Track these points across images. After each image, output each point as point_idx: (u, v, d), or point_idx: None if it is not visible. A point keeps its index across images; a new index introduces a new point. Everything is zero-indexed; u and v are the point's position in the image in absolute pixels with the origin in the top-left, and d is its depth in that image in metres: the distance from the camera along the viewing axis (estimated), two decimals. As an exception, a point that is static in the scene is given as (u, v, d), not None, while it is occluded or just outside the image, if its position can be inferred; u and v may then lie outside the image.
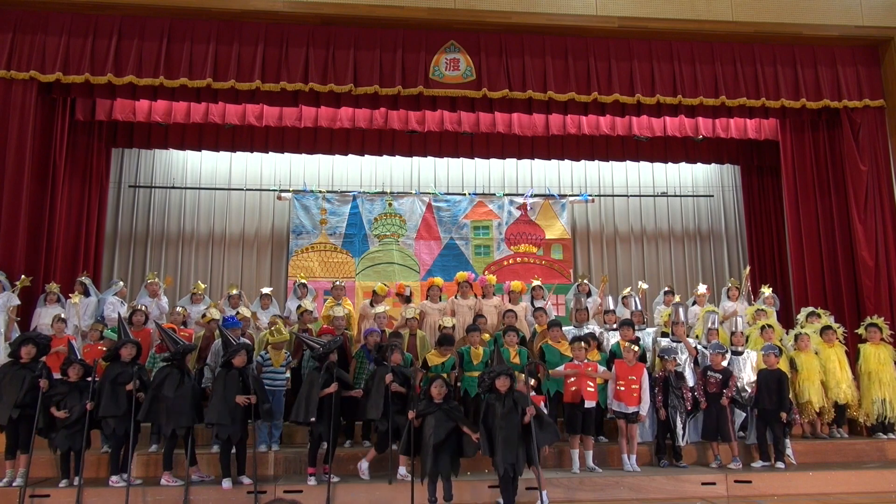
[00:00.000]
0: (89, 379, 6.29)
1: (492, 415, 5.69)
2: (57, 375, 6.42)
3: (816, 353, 7.79)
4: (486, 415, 5.76)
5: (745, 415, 7.15)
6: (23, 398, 6.12)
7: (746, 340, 7.89)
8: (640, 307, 8.53)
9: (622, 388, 6.88)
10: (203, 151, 11.21)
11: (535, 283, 9.36)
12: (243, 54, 8.87)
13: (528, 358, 7.29)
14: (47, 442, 6.21)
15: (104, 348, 7.15)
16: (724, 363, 7.18)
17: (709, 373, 7.13)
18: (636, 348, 7.09)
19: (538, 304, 8.86)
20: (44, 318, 7.89)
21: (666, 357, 7.14)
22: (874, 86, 9.72)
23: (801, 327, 8.20)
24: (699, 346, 7.63)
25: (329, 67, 8.96)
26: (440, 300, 8.88)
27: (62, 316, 7.65)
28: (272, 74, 8.89)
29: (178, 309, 8.26)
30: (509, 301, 8.79)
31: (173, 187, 11.57)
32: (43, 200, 8.87)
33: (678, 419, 6.95)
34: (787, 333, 8.38)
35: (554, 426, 5.93)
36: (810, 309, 8.62)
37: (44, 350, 6.52)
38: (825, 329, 7.98)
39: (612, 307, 8.76)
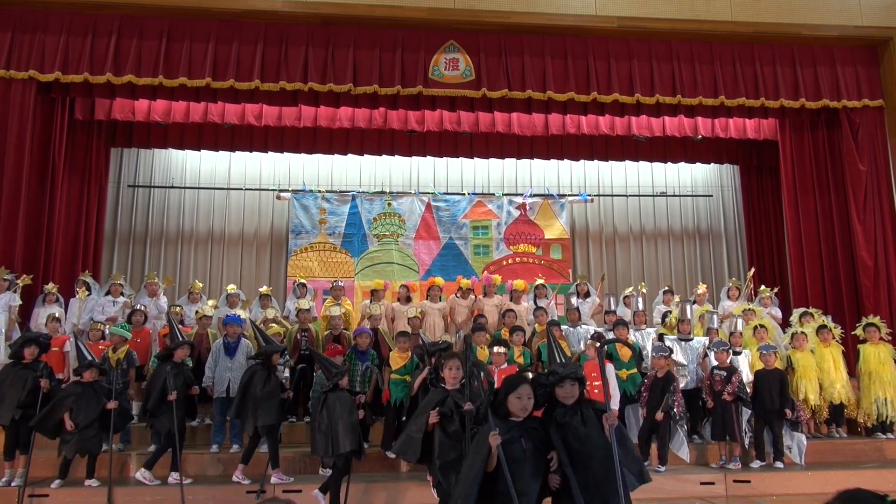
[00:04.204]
0: (101, 380, 6.28)
1: (574, 438, 3.39)
2: (59, 375, 6.41)
3: (812, 352, 7.81)
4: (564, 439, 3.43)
5: (750, 412, 7.12)
6: (25, 399, 6.10)
7: (742, 342, 7.90)
8: (642, 307, 8.53)
9: (594, 390, 6.81)
10: (202, 151, 11.21)
11: (539, 281, 9.38)
12: (242, 54, 8.87)
13: (531, 359, 7.28)
14: (59, 444, 6.18)
15: (103, 347, 7.17)
16: (728, 361, 7.19)
17: (714, 371, 7.14)
18: (597, 345, 7.04)
19: (541, 302, 8.87)
20: (42, 318, 7.89)
21: (653, 355, 7.12)
22: (873, 86, 9.72)
23: (799, 327, 8.20)
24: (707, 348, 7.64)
25: (328, 67, 8.96)
26: (440, 300, 8.91)
27: (56, 315, 7.67)
28: (271, 74, 8.88)
29: (175, 308, 8.27)
30: (511, 300, 8.81)
31: (172, 187, 11.56)
32: (42, 199, 8.86)
33: (670, 421, 6.90)
34: (784, 332, 8.40)
35: (637, 455, 3.58)
36: (803, 309, 8.65)
37: (44, 350, 6.53)
38: (821, 328, 8.00)
39: (612, 307, 8.76)
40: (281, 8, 8.81)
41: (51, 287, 8.24)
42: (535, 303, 8.91)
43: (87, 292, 8.36)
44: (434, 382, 4.86)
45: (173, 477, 6.18)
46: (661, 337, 7.93)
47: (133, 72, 8.65)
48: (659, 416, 6.76)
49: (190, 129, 10.56)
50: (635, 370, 7.40)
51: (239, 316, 7.62)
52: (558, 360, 3.85)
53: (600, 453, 3.34)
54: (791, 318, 8.65)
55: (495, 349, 6.53)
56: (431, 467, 4.82)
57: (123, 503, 6.01)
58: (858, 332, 8.21)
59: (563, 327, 8.01)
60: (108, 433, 6.17)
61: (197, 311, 7.97)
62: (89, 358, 6.36)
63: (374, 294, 8.92)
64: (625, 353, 7.41)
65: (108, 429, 6.13)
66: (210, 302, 8.58)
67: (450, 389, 4.80)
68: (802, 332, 7.91)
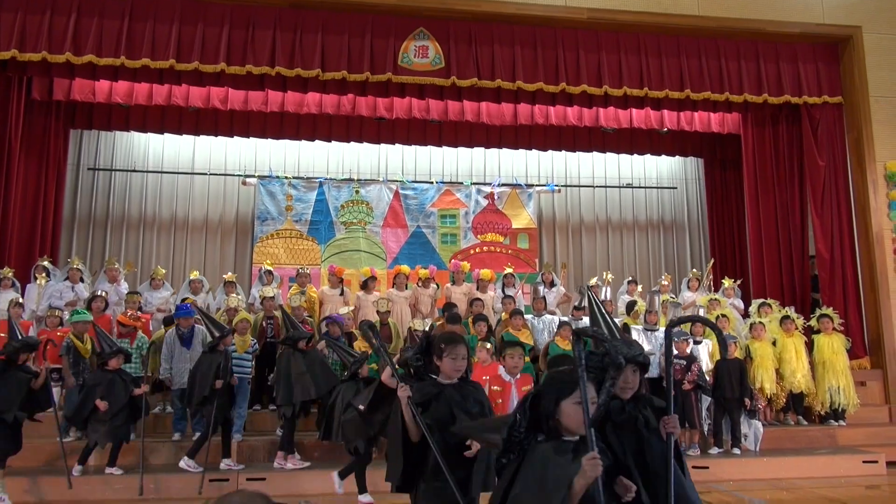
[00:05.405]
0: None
1: (637, 445, 2.58)
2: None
3: (774, 343, 8.02)
4: (624, 445, 2.59)
5: (710, 399, 7.30)
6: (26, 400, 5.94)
7: (704, 331, 8.06)
8: (608, 297, 8.64)
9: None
10: (165, 134, 10.96)
11: (508, 270, 9.43)
12: (208, 35, 8.65)
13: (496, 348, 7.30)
14: (84, 434, 6.23)
15: (61, 334, 7.00)
16: (688, 350, 7.34)
17: (673, 360, 7.28)
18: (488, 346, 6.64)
19: (509, 291, 8.93)
20: (2, 303, 7.66)
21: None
22: (833, 83, 9.92)
23: (759, 317, 8.40)
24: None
25: (296, 51, 8.80)
26: (406, 288, 8.92)
27: (19, 300, 7.47)
28: (238, 57, 8.69)
29: (134, 296, 8.08)
30: (478, 289, 8.85)
31: (134, 170, 11.31)
32: (-3, 182, 8.61)
33: None
34: (744, 322, 8.60)
35: (691, 483, 2.70)
36: (761, 300, 8.86)
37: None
38: (784, 319, 8.21)
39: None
40: (248, -11, 8.63)
41: (6, 271, 8.02)
42: (503, 291, 8.97)
43: (46, 278, 8.15)
44: (423, 373, 3.27)
45: (225, 463, 6.33)
46: (626, 327, 8.05)
47: (94, 51, 8.37)
48: None
49: (153, 111, 10.30)
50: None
51: (189, 306, 7.47)
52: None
53: (665, 471, 2.42)
54: (750, 309, 8.85)
55: (508, 351, 4.94)
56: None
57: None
58: (813, 322, 8.46)
59: (528, 317, 8.08)
60: (137, 420, 6.26)
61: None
62: (116, 346, 6.36)
63: (332, 278, 8.92)
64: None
65: (138, 416, 6.21)
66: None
67: (445, 383, 3.21)
68: (760, 323, 8.11)
